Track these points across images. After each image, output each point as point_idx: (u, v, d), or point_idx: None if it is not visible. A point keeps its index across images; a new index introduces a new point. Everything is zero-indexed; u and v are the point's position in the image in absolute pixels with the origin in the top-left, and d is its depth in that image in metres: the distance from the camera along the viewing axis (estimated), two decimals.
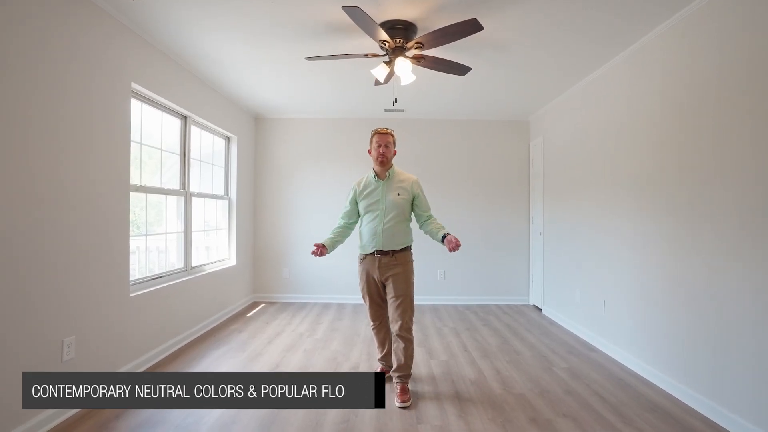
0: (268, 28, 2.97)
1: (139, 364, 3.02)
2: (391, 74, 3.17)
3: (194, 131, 4.09)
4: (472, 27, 2.51)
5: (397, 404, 2.54)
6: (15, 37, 2.04)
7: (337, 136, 5.55)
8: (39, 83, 2.17)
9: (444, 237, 2.57)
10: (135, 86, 3.00)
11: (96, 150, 2.59)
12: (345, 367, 3.16)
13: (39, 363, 2.18)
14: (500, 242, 5.56)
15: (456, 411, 2.49)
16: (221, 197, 4.75)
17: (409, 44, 2.84)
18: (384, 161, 2.72)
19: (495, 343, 3.80)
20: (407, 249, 2.78)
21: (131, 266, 3.02)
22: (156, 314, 3.26)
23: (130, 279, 3.01)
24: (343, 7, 2.36)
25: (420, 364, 3.22)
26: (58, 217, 2.31)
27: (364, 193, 2.77)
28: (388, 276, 2.70)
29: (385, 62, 2.98)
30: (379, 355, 2.96)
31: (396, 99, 3.56)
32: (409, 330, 2.68)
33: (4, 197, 1.99)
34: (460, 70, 3.15)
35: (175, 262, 3.81)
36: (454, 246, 2.47)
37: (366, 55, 2.96)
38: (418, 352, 3.43)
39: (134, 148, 3.10)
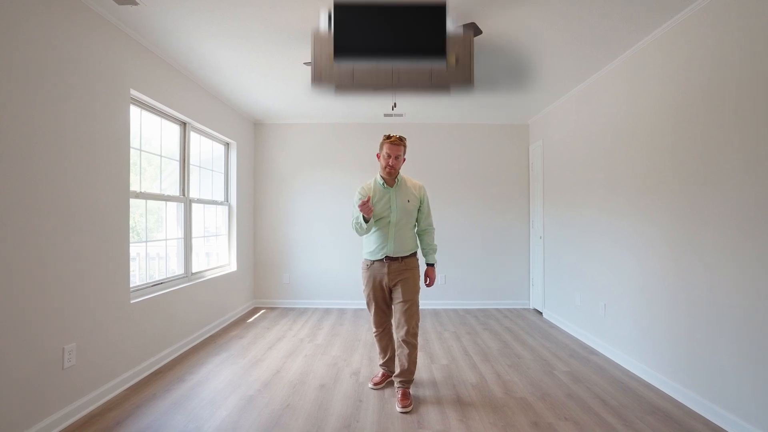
0: (266, 34, 2.99)
1: (140, 370, 3.01)
2: None
3: (194, 137, 4.11)
4: (471, 30, 2.53)
5: (399, 409, 2.53)
6: (15, 43, 2.05)
7: (337, 141, 5.57)
8: (39, 90, 2.19)
9: (429, 264, 2.88)
10: (134, 93, 3.01)
11: (95, 156, 2.60)
12: (346, 373, 3.16)
13: (40, 370, 2.18)
14: (500, 246, 5.56)
15: (457, 415, 2.48)
16: (221, 203, 4.76)
17: None
18: (393, 172, 2.71)
19: (496, 347, 3.79)
20: (414, 254, 2.79)
21: (131, 273, 3.02)
22: (157, 321, 3.26)
23: (131, 285, 3.01)
24: None
25: (421, 369, 3.21)
26: (58, 223, 2.31)
27: (373, 199, 2.75)
28: (397, 281, 2.70)
29: None
30: (381, 361, 2.95)
31: (395, 103, 3.57)
32: (415, 336, 2.69)
33: (4, 204, 2.00)
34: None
35: (176, 268, 3.81)
36: (431, 284, 2.85)
37: None
38: (419, 357, 3.43)
39: (134, 154, 3.11)
